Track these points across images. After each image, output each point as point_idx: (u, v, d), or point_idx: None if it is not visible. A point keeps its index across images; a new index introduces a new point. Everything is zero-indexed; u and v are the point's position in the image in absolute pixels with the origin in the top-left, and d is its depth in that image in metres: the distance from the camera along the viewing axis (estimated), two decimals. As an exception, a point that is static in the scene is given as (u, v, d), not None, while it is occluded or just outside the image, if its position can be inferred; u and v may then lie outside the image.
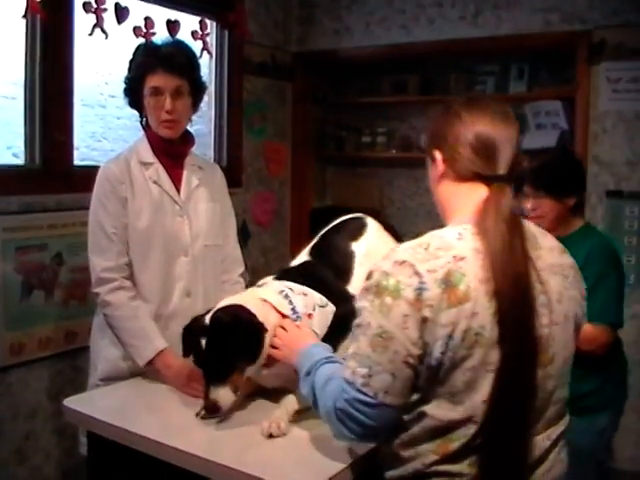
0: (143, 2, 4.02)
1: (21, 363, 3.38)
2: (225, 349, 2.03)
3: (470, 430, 1.61)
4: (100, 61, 3.82)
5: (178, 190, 2.71)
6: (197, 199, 2.76)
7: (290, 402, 2.10)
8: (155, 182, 2.65)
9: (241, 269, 2.97)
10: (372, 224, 2.63)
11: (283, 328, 2.14)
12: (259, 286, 2.39)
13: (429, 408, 1.63)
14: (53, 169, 3.51)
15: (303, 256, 2.60)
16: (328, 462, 1.87)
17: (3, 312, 3.28)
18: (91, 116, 3.85)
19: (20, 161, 3.49)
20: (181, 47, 2.71)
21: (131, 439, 2.03)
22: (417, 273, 1.57)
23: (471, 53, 5.00)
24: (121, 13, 3.82)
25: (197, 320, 2.15)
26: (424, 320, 1.56)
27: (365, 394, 1.61)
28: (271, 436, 1.96)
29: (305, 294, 2.25)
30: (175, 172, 2.72)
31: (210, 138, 4.81)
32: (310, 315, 2.20)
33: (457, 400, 1.60)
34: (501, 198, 1.69)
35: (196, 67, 2.73)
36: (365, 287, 1.67)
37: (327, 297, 2.29)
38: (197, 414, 2.07)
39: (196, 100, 2.75)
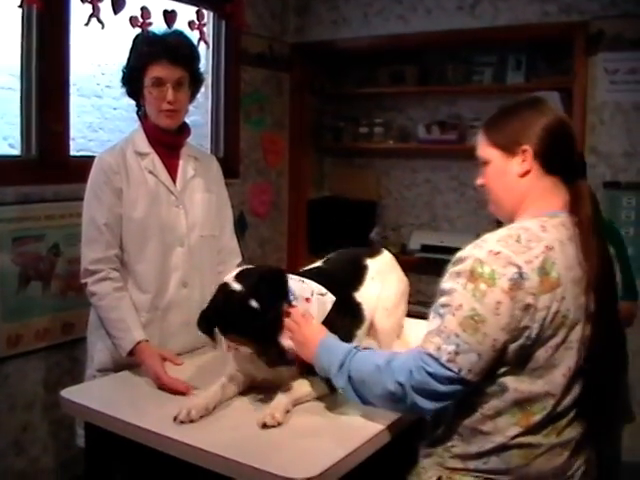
0: (140, -8, 4.00)
1: (18, 354, 3.38)
2: (269, 297, 2.05)
3: (549, 402, 1.78)
4: (96, 51, 3.81)
5: (174, 180, 2.70)
6: (193, 189, 2.75)
7: (287, 393, 2.10)
8: (151, 172, 2.65)
9: (238, 260, 2.97)
10: (388, 253, 2.71)
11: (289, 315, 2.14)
12: None
13: (511, 381, 1.77)
14: (50, 160, 3.50)
15: (317, 263, 2.60)
16: (328, 450, 1.86)
17: (0, 303, 3.28)
18: (87, 106, 3.85)
19: (17, 152, 3.48)
20: (184, 38, 2.71)
21: (129, 430, 2.03)
22: (513, 264, 1.71)
23: (469, 44, 5.00)
24: (117, 3, 3.79)
25: (221, 297, 2.10)
26: (527, 307, 1.71)
27: (449, 369, 1.72)
28: (265, 426, 1.95)
29: (302, 281, 2.25)
30: (171, 162, 2.72)
31: (207, 129, 4.80)
32: (308, 299, 2.20)
33: (538, 374, 1.77)
34: (591, 192, 1.93)
35: (197, 58, 2.74)
36: (456, 271, 1.78)
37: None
38: (175, 418, 2.00)
39: (194, 91, 2.75)
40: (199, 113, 4.70)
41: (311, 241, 5.58)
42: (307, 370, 2.13)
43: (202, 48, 4.56)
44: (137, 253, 2.62)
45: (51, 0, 3.41)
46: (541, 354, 1.75)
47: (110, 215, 2.57)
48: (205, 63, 4.69)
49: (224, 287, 2.09)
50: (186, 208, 2.71)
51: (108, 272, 2.56)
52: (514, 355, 1.74)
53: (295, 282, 2.22)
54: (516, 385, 1.77)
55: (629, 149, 4.19)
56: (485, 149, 1.97)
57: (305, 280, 2.27)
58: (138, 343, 2.44)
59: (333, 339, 2.06)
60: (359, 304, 2.42)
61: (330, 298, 2.27)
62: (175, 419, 1.98)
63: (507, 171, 1.92)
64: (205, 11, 4.54)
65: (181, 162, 2.74)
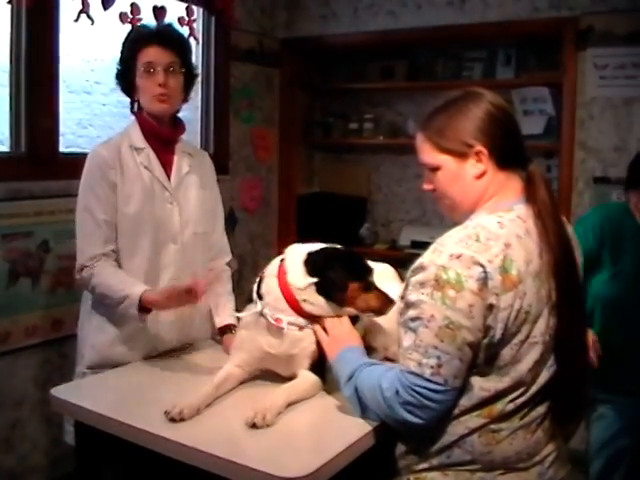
0: (129, -12, 3.99)
1: (7, 351, 3.38)
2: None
3: (514, 395, 1.78)
4: (86, 47, 3.80)
5: (168, 176, 2.69)
6: (187, 186, 2.74)
7: (281, 393, 2.08)
8: (146, 167, 2.63)
9: (228, 258, 2.97)
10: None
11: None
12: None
13: (478, 380, 1.77)
14: (39, 156, 3.49)
15: None
16: (322, 448, 1.87)
17: (-11, 300, 3.26)
18: (77, 103, 3.83)
19: (5, 148, 3.47)
20: (174, 28, 2.75)
21: (120, 429, 2.02)
22: (477, 263, 1.69)
23: (458, 39, 4.99)
24: (107, -1, 3.79)
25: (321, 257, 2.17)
26: (490, 307, 1.70)
27: (435, 382, 1.71)
28: (254, 426, 1.92)
29: None
30: (166, 157, 2.70)
31: (197, 125, 4.79)
32: None
33: (504, 372, 1.76)
34: (544, 174, 1.89)
35: (188, 48, 2.76)
36: (419, 281, 1.75)
37: None
38: (166, 413, 1.98)
39: (187, 83, 2.74)
40: (189, 109, 4.66)
41: (301, 237, 5.53)
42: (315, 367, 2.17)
43: (192, 44, 4.54)
44: (129, 249, 2.60)
45: (40, -5, 3.40)
46: (506, 352, 1.75)
47: (107, 209, 2.55)
48: (195, 59, 4.67)
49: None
50: (180, 205, 2.69)
51: (105, 260, 2.55)
52: (481, 357, 1.74)
53: None
54: (482, 384, 1.77)
55: (619, 144, 4.20)
56: (432, 155, 1.92)
57: None
58: (145, 291, 2.43)
59: (357, 349, 2.07)
60: None
61: None
62: (166, 413, 1.97)
63: (461, 175, 1.88)
64: (195, 7, 4.53)
65: (176, 158, 2.73)
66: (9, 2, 3.31)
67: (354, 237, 5.47)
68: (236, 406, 2.12)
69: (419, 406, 1.72)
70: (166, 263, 2.65)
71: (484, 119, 1.85)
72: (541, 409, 1.85)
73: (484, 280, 1.67)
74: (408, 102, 5.45)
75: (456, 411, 1.78)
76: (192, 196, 2.74)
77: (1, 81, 3.43)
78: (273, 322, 2.16)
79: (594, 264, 2.98)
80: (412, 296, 1.75)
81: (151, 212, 2.62)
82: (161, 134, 2.68)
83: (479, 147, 1.84)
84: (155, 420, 1.98)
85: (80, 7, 3.63)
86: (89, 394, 2.28)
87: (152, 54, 2.56)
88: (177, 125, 2.75)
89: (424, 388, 1.71)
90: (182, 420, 1.97)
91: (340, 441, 1.88)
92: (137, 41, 2.60)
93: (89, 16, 3.65)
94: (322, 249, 2.20)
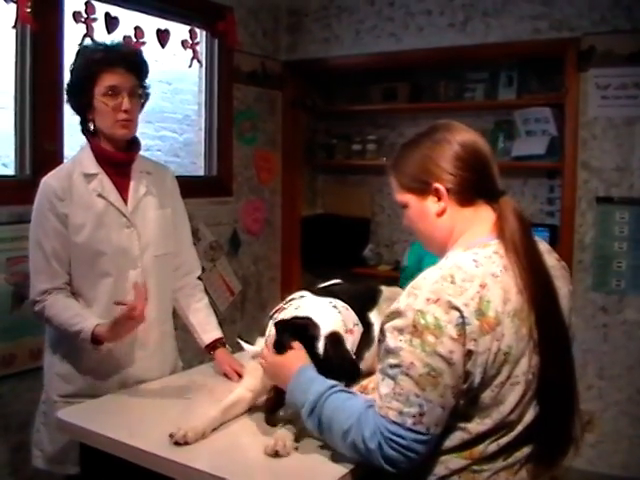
0: (133, 12, 4.02)
1: (12, 374, 3.37)
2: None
3: (497, 436, 1.72)
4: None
5: (125, 201, 2.60)
6: (145, 207, 2.65)
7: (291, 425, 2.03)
8: (100, 195, 2.54)
9: (198, 272, 2.94)
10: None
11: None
12: (296, 299, 2.31)
13: (459, 423, 1.72)
14: (43, 179, 3.49)
15: (335, 280, 2.59)
16: (326, 470, 1.86)
17: (-6, 323, 3.26)
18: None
19: (10, 171, 3.48)
20: (134, 49, 2.69)
21: (129, 452, 2.01)
22: (455, 308, 1.62)
23: (460, 60, 5.00)
24: (111, 23, 3.82)
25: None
26: (469, 353, 1.63)
27: (417, 432, 1.65)
28: (277, 454, 1.89)
29: (347, 309, 2.23)
30: (121, 182, 2.61)
31: (200, 147, 4.81)
32: (351, 331, 2.17)
33: (485, 414, 1.70)
34: (515, 207, 1.80)
35: (148, 70, 2.66)
36: (397, 327, 1.67)
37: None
38: (171, 436, 1.98)
39: (143, 103, 2.66)
40: (192, 131, 4.71)
41: (305, 258, 5.57)
42: None
43: (195, 67, 4.58)
44: (87, 278, 2.55)
45: (45, 20, 3.43)
46: (487, 395, 1.68)
47: (56, 243, 2.50)
48: (198, 81, 4.71)
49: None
50: (138, 229, 2.61)
51: (56, 293, 2.51)
52: (461, 399, 1.68)
53: (344, 310, 2.21)
54: (464, 425, 1.71)
55: (621, 164, 4.20)
56: (399, 194, 1.92)
57: (348, 307, 2.24)
58: (97, 326, 2.38)
59: (311, 371, 1.95)
60: (371, 324, 2.35)
61: (361, 328, 2.24)
62: (171, 437, 1.97)
63: (425, 212, 1.85)
64: (198, 30, 4.57)
65: (132, 181, 2.64)
66: (14, 27, 3.33)
67: (358, 258, 5.48)
68: (243, 428, 2.12)
69: (400, 460, 1.66)
70: (129, 289, 2.53)
71: (440, 154, 1.81)
72: (526, 449, 1.79)
73: (462, 325, 1.61)
74: (411, 123, 5.45)
75: (436, 451, 1.73)
76: (151, 218, 2.66)
77: (6, 104, 3.45)
78: None
79: None
80: (390, 342, 1.68)
81: (107, 240, 2.53)
82: (115, 158, 2.60)
83: (436, 184, 1.81)
84: (163, 443, 1.97)
85: (84, 31, 3.66)
86: (96, 417, 2.26)
87: (117, 78, 2.48)
88: (132, 145, 2.66)
89: (406, 439, 1.64)
90: (186, 444, 1.96)
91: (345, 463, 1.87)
92: (99, 62, 2.48)
93: (93, 40, 3.66)
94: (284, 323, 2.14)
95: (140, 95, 2.60)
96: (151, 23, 4.15)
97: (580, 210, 4.32)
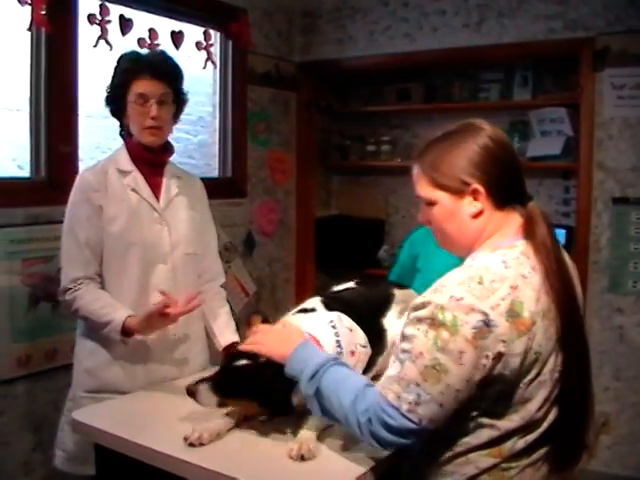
0: (147, 13, 4.03)
1: (28, 375, 3.38)
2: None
3: (525, 433, 1.73)
4: (104, 73, 3.82)
5: (157, 198, 2.69)
6: (177, 207, 2.73)
7: (316, 421, 2.01)
8: (133, 189, 2.63)
9: (222, 280, 2.97)
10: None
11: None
12: (308, 310, 2.28)
13: (487, 420, 1.72)
14: (58, 181, 3.49)
15: (349, 284, 2.56)
16: (345, 468, 1.86)
17: (10, 324, 3.28)
18: (95, 127, 3.85)
19: (25, 173, 3.50)
20: (166, 56, 2.73)
21: (143, 453, 2.01)
22: (477, 310, 1.61)
23: (475, 61, 5.00)
24: (125, 24, 3.83)
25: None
26: (498, 355, 1.63)
27: (410, 420, 1.65)
28: (302, 458, 1.88)
29: (351, 330, 2.19)
30: (154, 180, 2.70)
31: (215, 148, 4.82)
32: (353, 353, 2.14)
33: (513, 411, 1.71)
34: (542, 210, 1.82)
35: (180, 77, 2.73)
36: (417, 317, 1.69)
37: (359, 322, 2.24)
38: (185, 438, 1.98)
39: (178, 110, 2.75)
40: (207, 132, 4.72)
41: (319, 259, 5.57)
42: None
43: (209, 68, 4.58)
44: (117, 269, 2.60)
45: (60, 22, 3.44)
46: (517, 392, 1.69)
47: (90, 232, 2.56)
48: (212, 83, 4.71)
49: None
50: (169, 225, 2.68)
51: (88, 283, 2.56)
52: (491, 399, 1.69)
53: (345, 330, 2.16)
54: (492, 423, 1.71)
55: (637, 164, 4.18)
56: (428, 190, 1.85)
57: (354, 327, 2.20)
58: (128, 317, 2.45)
59: (312, 345, 1.97)
60: (384, 330, 2.34)
61: (369, 350, 2.21)
62: (185, 439, 1.97)
63: (457, 212, 1.82)
64: (212, 31, 4.58)
65: (164, 180, 2.72)
66: (29, 29, 3.35)
67: (372, 259, 5.47)
68: (257, 429, 2.10)
69: (387, 438, 1.68)
70: (156, 283, 2.62)
71: (482, 155, 1.78)
72: (547, 447, 1.80)
73: (482, 329, 1.60)
74: (425, 124, 5.45)
75: (462, 449, 1.74)
76: (182, 217, 2.73)
77: (21, 107, 3.46)
78: None
79: None
80: (408, 329, 1.70)
81: (139, 233, 2.60)
82: (149, 158, 2.68)
83: (476, 185, 1.78)
84: (177, 443, 1.97)
85: (99, 33, 3.67)
86: (111, 418, 2.27)
87: (144, 86, 2.56)
88: (166, 148, 2.75)
89: (396, 421, 1.66)
90: (201, 445, 1.97)
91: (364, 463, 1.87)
92: (129, 71, 2.59)
93: (108, 42, 3.69)
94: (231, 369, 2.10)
95: (173, 101, 2.67)
96: (165, 25, 4.16)
97: (596, 211, 4.30)
